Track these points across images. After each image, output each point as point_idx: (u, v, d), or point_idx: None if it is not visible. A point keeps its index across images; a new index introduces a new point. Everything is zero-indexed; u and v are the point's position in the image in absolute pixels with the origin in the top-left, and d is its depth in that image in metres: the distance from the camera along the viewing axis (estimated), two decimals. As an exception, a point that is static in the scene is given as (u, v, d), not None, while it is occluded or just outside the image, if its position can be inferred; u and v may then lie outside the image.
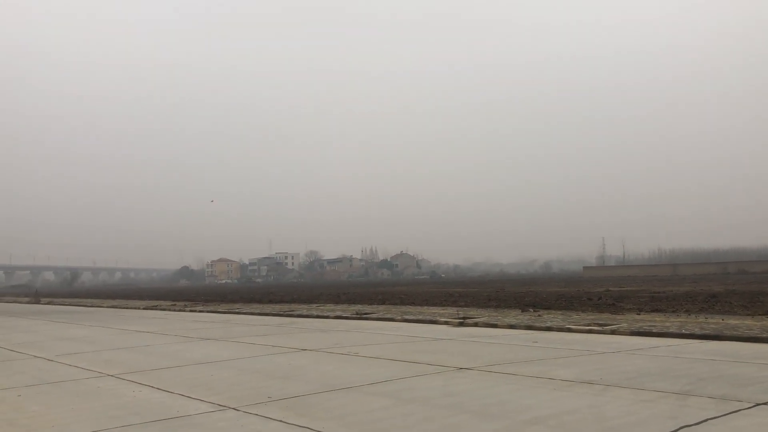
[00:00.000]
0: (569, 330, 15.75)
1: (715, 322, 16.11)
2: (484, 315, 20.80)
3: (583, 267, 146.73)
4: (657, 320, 17.01)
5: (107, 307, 40.41)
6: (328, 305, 30.94)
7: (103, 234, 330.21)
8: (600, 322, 16.90)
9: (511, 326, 17.03)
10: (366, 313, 23.16)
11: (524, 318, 19.14)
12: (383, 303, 31.15)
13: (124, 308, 37.64)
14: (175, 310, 32.45)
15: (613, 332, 14.88)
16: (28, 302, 55.74)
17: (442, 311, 23.38)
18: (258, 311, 28.05)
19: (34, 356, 13.85)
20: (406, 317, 20.76)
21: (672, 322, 16.22)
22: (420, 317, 20.55)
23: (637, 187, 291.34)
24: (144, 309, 35.27)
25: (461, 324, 18.22)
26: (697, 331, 14.02)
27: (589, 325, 16.24)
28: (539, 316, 19.94)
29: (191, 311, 31.13)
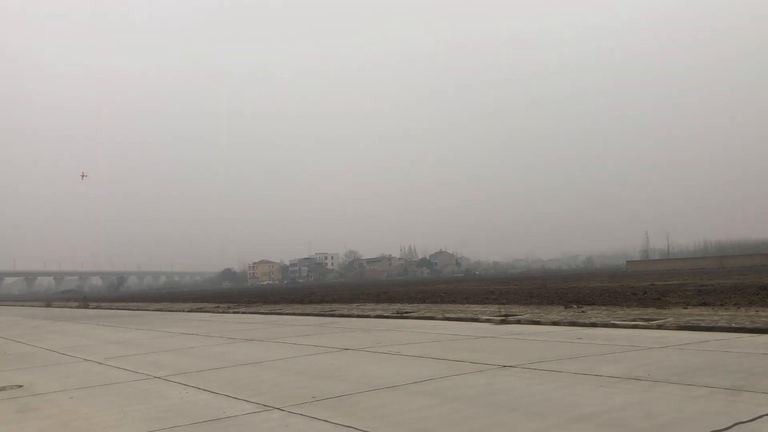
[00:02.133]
0: (614, 326, 15.48)
1: (766, 315, 15.65)
2: (526, 312, 20.59)
3: (627, 261, 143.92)
4: (705, 314, 16.61)
5: (153, 310, 41.21)
6: (369, 304, 31.03)
7: (148, 239, 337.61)
8: (645, 317, 16.57)
9: (555, 323, 16.83)
10: (406, 312, 23.15)
11: (567, 314, 18.89)
12: (423, 301, 31.10)
13: (169, 311, 38.33)
14: (218, 312, 32.93)
15: (659, 327, 14.58)
16: (77, 307, 57.25)
17: (483, 309, 23.23)
18: (300, 312, 28.30)
19: (85, 359, 14.20)
20: (447, 315, 20.68)
21: (721, 316, 15.81)
22: (461, 315, 20.45)
23: (681, 178, 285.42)
24: (188, 312, 35.87)
25: (503, 321, 18.07)
26: (748, 324, 13.64)
27: (634, 320, 15.94)
28: (583, 312, 19.65)
29: (234, 313, 31.55)
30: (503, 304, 25.58)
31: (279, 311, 29.74)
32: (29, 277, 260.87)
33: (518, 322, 17.78)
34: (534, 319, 17.72)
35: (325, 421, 6.93)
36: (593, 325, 15.87)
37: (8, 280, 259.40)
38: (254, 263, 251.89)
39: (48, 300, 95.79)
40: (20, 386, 10.68)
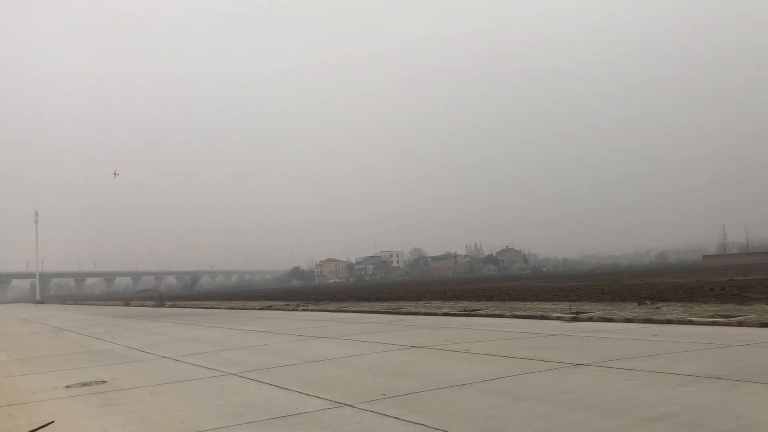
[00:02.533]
0: (691, 322, 14.94)
1: None
2: (598, 309, 20.11)
3: (702, 256, 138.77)
4: (790, 311, 15.81)
5: (225, 308, 42.32)
6: (435, 302, 30.96)
7: (220, 240, 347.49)
8: (724, 313, 15.92)
9: (628, 320, 16.37)
10: (474, 310, 22.99)
11: (641, 311, 18.34)
12: (491, 299, 30.79)
13: (240, 309, 39.29)
14: (288, 310, 33.55)
15: (740, 324, 13.98)
16: (153, 306, 59.39)
17: (553, 306, 22.82)
18: (367, 309, 28.50)
19: (162, 356, 14.73)
20: (516, 313, 20.41)
21: (808, 313, 15.03)
22: (530, 313, 20.15)
23: (760, 168, 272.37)
24: (259, 309, 36.68)
25: (574, 319, 17.71)
26: (838, 321, 12.91)
27: (712, 316, 15.34)
28: (657, 308, 19.03)
29: (303, 310, 32.07)
30: (573, 301, 25.06)
31: (346, 309, 30.05)
32: (109, 277, 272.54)
33: (590, 319, 17.39)
34: (606, 317, 17.29)
35: (396, 418, 6.96)
36: (669, 322, 15.36)
37: (90, 280, 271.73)
38: (321, 262, 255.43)
39: (126, 299, 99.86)
40: (104, 381, 11.17)
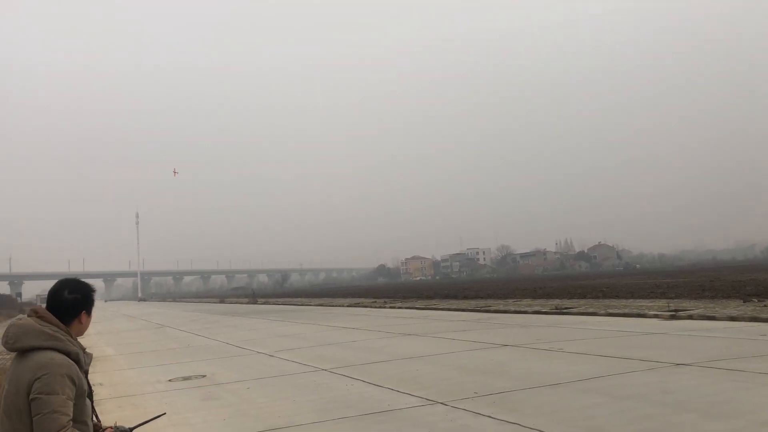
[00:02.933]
0: (804, 321, 14.00)
1: None
2: (698, 306, 19.18)
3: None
4: None
5: (315, 305, 43.22)
6: (525, 300, 30.43)
7: (308, 238, 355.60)
8: (843, 311, 14.81)
9: (732, 318, 15.52)
10: (566, 308, 22.42)
11: (747, 309, 17.34)
12: (583, 297, 29.96)
13: (329, 306, 40.01)
14: (375, 307, 33.86)
15: None
16: (247, 302, 61.35)
17: (649, 304, 21.94)
18: (454, 307, 28.35)
19: (257, 352, 15.18)
20: (610, 311, 19.76)
21: None
22: (626, 311, 19.45)
23: None
24: (347, 306, 37.22)
25: (673, 317, 16.95)
26: None
27: (829, 315, 14.31)
28: (765, 306, 17.93)
29: (391, 308, 32.27)
30: (671, 298, 24.00)
31: (434, 306, 30.00)
32: (204, 275, 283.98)
33: (690, 317, 16.60)
34: (708, 314, 16.46)
35: (489, 417, 6.88)
36: (779, 320, 14.45)
37: (187, 278, 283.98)
38: (406, 259, 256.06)
39: (221, 296, 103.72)
40: (204, 376, 11.63)
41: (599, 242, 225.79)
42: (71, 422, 2.57)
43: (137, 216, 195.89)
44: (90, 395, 2.79)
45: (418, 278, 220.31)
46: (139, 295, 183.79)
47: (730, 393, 7.27)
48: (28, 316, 2.78)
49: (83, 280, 2.98)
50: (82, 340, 2.99)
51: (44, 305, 2.85)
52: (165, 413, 3.72)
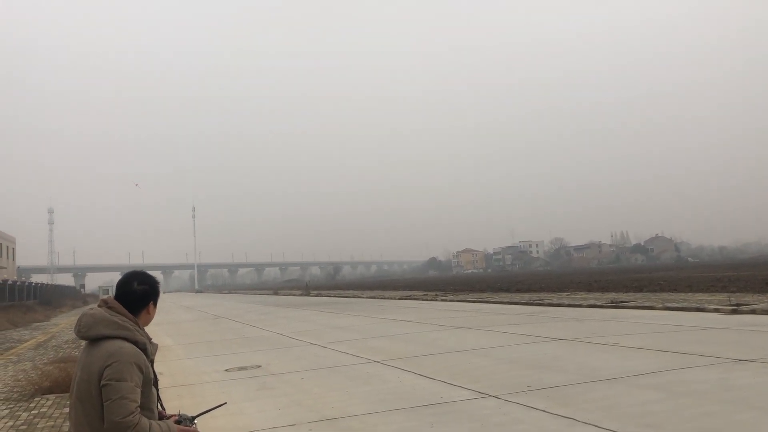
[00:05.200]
0: None
1: None
2: (762, 301, 18.52)
3: None
4: None
5: (366, 297, 43.49)
6: (580, 293, 29.94)
7: (360, 231, 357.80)
8: None
9: (799, 313, 14.95)
10: (622, 302, 21.97)
11: (814, 304, 16.67)
12: (640, 290, 29.29)
13: (381, 298, 40.19)
14: (427, 300, 33.85)
15: None
16: (300, 294, 62.22)
17: (709, 298, 21.31)
18: (507, 300, 28.12)
19: (311, 343, 15.41)
20: (668, 305, 19.27)
21: None
22: (684, 305, 18.94)
23: None
24: (399, 299, 37.32)
25: (734, 311, 16.43)
26: None
27: None
28: (834, 301, 17.21)
29: (442, 300, 32.21)
30: (733, 292, 23.23)
31: (486, 299, 29.82)
32: (258, 267, 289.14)
33: (752, 312, 16.06)
34: (772, 309, 15.88)
35: (543, 411, 6.83)
36: None
37: (241, 270, 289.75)
38: (458, 252, 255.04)
39: (275, 288, 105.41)
40: (259, 366, 11.88)
41: (656, 234, 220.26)
42: (139, 408, 2.69)
43: (194, 209, 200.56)
44: (156, 384, 2.91)
45: (469, 271, 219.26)
46: (196, 286, 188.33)
47: (796, 391, 7.03)
48: (99, 306, 2.92)
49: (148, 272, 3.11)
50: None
51: (113, 296, 2.98)
52: (226, 402, 3.84)
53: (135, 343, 2.80)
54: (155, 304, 3.05)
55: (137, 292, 2.95)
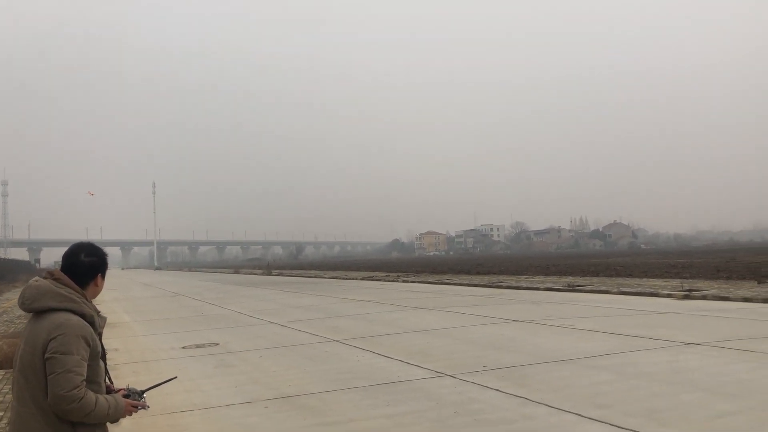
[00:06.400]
0: (819, 304, 13.90)
1: None
2: (712, 287, 19.08)
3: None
4: None
5: (329, 278, 43.46)
6: (538, 277, 30.41)
7: (323, 211, 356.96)
8: None
9: (746, 299, 15.44)
10: (578, 286, 22.40)
11: (761, 290, 17.23)
12: (596, 275, 29.89)
13: (343, 279, 40.22)
14: (389, 281, 34.00)
15: None
16: (261, 274, 61.83)
17: (663, 283, 21.86)
18: (467, 282, 28.41)
19: (270, 322, 15.34)
20: (623, 290, 19.71)
21: None
22: (639, 290, 19.40)
23: None
24: (361, 280, 37.40)
25: (686, 297, 16.89)
26: None
27: None
28: (780, 288, 17.82)
29: (404, 282, 32.39)
30: (686, 278, 23.87)
31: (446, 281, 30.09)
32: (220, 246, 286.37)
33: (703, 297, 16.53)
34: (722, 295, 16.38)
35: (498, 390, 6.93)
36: (794, 303, 14.35)
37: (202, 248, 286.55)
38: (421, 234, 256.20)
39: (236, 267, 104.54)
40: (217, 344, 11.79)
41: (614, 221, 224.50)
42: (85, 382, 2.63)
43: (154, 186, 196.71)
44: (103, 357, 2.84)
45: (432, 253, 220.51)
46: (155, 264, 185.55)
47: (741, 373, 7.27)
48: (44, 278, 2.83)
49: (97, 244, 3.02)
50: (99, 305, 3.04)
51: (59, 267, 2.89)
52: (176, 377, 3.79)
53: (82, 315, 2.73)
54: (103, 277, 2.96)
55: (85, 264, 2.86)
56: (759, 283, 20.05)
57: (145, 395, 2.95)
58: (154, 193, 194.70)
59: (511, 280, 28.50)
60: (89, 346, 2.69)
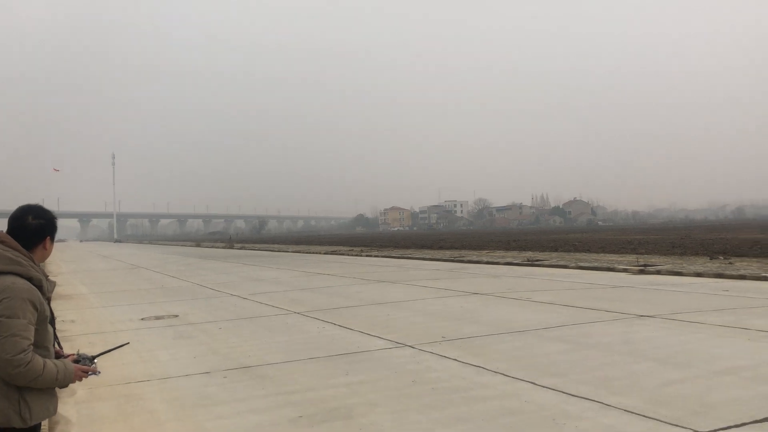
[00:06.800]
0: (765, 279, 14.39)
1: None
2: (666, 262, 19.59)
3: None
4: None
5: (292, 252, 43.33)
6: (499, 252, 30.81)
7: (287, 186, 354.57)
8: (804, 271, 15.23)
9: (698, 274, 15.90)
10: (538, 260, 22.77)
11: (713, 266, 17.76)
12: (555, 250, 30.41)
13: (306, 253, 40.14)
14: (352, 255, 34.06)
15: (820, 282, 13.38)
16: (223, 247, 61.32)
17: (620, 258, 22.36)
18: (429, 257, 28.63)
19: (231, 294, 15.27)
20: (581, 264, 20.11)
21: None
22: (596, 264, 19.81)
23: None
24: (324, 254, 37.39)
25: (641, 271, 17.31)
26: None
27: (790, 274, 14.71)
28: (730, 264, 18.39)
29: (367, 256, 32.50)
30: (642, 254, 24.46)
31: (409, 256, 30.27)
32: (181, 219, 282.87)
33: (657, 272, 16.97)
34: (675, 270, 16.83)
35: (455, 359, 7.04)
36: (742, 277, 14.83)
37: (163, 221, 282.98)
38: (385, 210, 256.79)
39: (198, 240, 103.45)
40: (176, 316, 11.70)
41: (574, 198, 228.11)
42: (32, 346, 2.58)
43: (113, 157, 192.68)
44: (52, 322, 2.79)
45: (396, 228, 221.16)
46: (115, 236, 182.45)
47: (690, 344, 7.50)
48: None
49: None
50: (56, 277, 2.98)
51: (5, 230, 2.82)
52: (128, 342, 3.76)
53: (29, 279, 2.67)
54: (53, 240, 2.90)
55: (32, 227, 2.79)
56: (711, 258, 20.65)
57: (96, 361, 2.91)
58: (113, 164, 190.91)
59: (473, 254, 28.81)
60: (36, 310, 2.63)
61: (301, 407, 5.43)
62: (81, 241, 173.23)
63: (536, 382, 5.95)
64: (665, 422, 4.70)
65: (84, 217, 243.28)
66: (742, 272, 15.48)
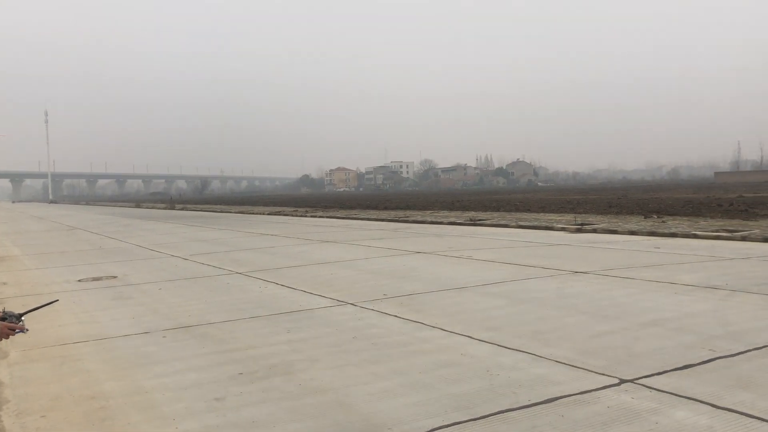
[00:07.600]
0: (695, 236, 15.04)
1: None
2: (603, 221, 20.22)
3: (715, 173, 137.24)
4: (795, 227, 15.83)
5: (235, 212, 42.80)
6: (443, 212, 31.18)
7: (230, 146, 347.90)
8: (729, 228, 15.98)
9: (632, 232, 16.48)
10: (480, 220, 23.16)
11: (646, 224, 18.43)
12: (497, 210, 30.97)
13: (249, 214, 39.73)
14: (297, 216, 33.91)
15: (743, 239, 14.06)
16: (164, 208, 60.10)
17: (559, 218, 22.95)
18: (374, 217, 28.76)
19: (172, 255, 15.05)
20: (521, 224, 20.57)
21: (813, 230, 15.04)
22: (535, 224, 20.29)
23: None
24: (268, 214, 37.09)
25: (579, 230, 17.84)
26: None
27: (717, 231, 15.41)
28: (663, 222, 19.12)
29: (312, 217, 32.41)
30: (580, 213, 25.17)
31: (354, 216, 30.34)
32: (120, 179, 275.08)
33: (594, 231, 17.51)
34: (611, 228, 17.40)
35: (395, 316, 7.17)
36: (673, 235, 15.46)
37: (101, 182, 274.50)
38: (331, 170, 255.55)
39: (137, 201, 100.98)
40: (115, 277, 11.48)
41: (517, 159, 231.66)
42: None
43: (46, 114, 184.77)
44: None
45: (342, 189, 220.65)
46: (50, 197, 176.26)
47: (620, 298, 7.83)
48: None
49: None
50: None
51: None
52: (58, 300, 3.69)
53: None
54: None
55: None
56: (645, 217, 21.40)
57: (23, 318, 2.86)
58: (46, 121, 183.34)
59: (417, 215, 29.08)
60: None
61: (242, 364, 5.46)
62: (13, 202, 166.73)
63: (473, 336, 6.13)
64: (593, 371, 4.92)
65: (16, 177, 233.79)
66: (673, 230, 16.12)
